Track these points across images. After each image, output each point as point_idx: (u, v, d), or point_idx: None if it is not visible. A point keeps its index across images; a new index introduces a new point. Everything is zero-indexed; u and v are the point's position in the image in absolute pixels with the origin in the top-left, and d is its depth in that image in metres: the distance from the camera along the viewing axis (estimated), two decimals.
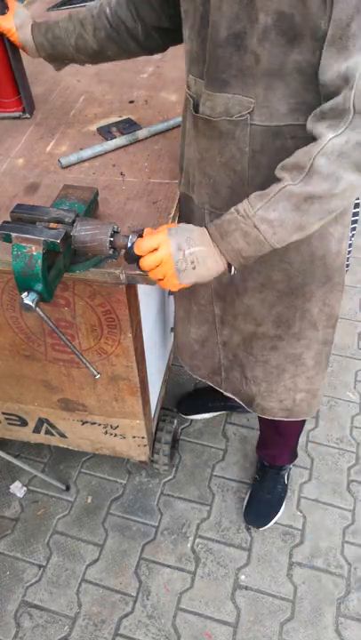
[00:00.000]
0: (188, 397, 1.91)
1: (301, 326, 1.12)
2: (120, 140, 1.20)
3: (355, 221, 1.47)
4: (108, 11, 1.05)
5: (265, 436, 1.63)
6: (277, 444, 1.60)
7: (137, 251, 0.83)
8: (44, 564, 1.56)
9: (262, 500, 1.63)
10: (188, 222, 1.11)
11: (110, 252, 0.85)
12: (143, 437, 1.46)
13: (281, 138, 0.85)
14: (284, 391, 1.25)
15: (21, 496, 1.70)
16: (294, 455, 1.66)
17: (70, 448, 1.63)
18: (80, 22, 1.07)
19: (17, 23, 1.11)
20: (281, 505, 1.64)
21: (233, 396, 1.36)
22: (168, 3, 0.99)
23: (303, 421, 1.47)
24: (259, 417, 1.42)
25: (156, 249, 0.82)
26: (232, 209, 0.81)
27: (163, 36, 1.07)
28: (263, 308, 1.09)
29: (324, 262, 1.03)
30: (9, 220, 0.87)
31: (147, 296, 1.23)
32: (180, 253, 0.81)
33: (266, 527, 1.61)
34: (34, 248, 0.80)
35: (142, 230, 0.85)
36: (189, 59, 0.92)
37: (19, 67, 1.24)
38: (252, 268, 1.01)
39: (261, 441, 1.66)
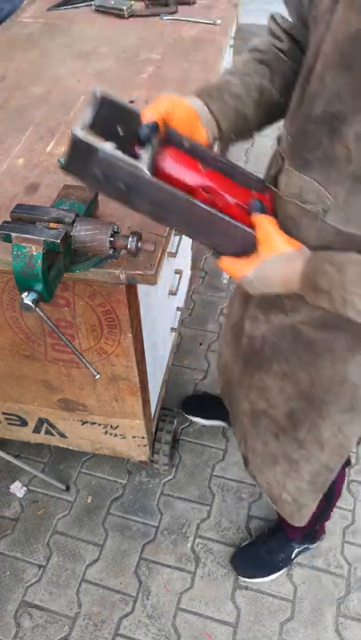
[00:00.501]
0: (193, 400, 1.88)
1: (307, 438, 1.01)
2: None
3: None
4: (279, 45, 0.84)
5: None
6: None
7: (221, 266, 0.79)
8: (44, 564, 1.56)
9: (258, 555, 1.51)
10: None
11: (110, 251, 0.85)
12: (143, 437, 1.46)
13: (356, 245, 0.71)
14: (273, 480, 1.16)
15: (21, 496, 1.70)
16: (310, 538, 1.49)
17: (70, 448, 1.63)
18: (254, 72, 0.83)
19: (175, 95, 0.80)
20: (272, 574, 1.51)
21: (237, 442, 1.28)
22: None
23: (320, 506, 1.29)
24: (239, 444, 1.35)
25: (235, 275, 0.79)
26: (339, 262, 0.69)
27: None
28: (279, 397, 1.00)
29: (355, 392, 0.91)
30: (9, 219, 0.87)
31: (147, 296, 1.22)
32: (255, 291, 0.79)
33: (244, 579, 1.51)
34: (34, 248, 0.80)
35: (141, 234, 0.84)
36: (289, 109, 0.77)
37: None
38: (282, 353, 0.94)
39: None
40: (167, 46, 1.64)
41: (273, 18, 0.86)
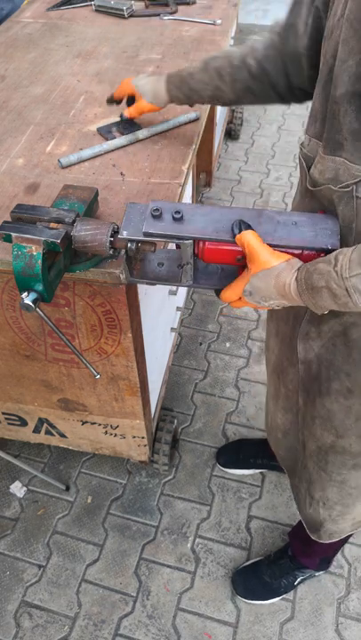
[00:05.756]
0: (227, 450, 1.79)
1: None
2: (120, 140, 1.20)
3: None
4: (251, 62, 0.96)
5: (302, 526, 1.39)
6: (310, 541, 1.34)
7: (223, 299, 0.83)
8: (44, 564, 1.56)
9: (260, 577, 1.48)
10: None
11: (110, 252, 0.85)
12: (143, 437, 1.46)
13: None
14: None
15: (21, 496, 1.70)
16: (325, 564, 1.47)
17: (70, 448, 1.63)
18: (217, 73, 1.01)
19: (149, 99, 1.12)
20: (273, 598, 1.48)
21: (298, 511, 1.19)
22: (316, 67, 0.86)
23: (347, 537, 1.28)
24: (300, 510, 1.27)
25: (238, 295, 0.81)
26: (331, 256, 0.70)
27: (304, 95, 0.96)
28: (348, 419, 0.92)
29: None
30: (9, 219, 0.87)
31: (147, 296, 1.23)
32: (259, 303, 0.80)
33: (243, 599, 1.48)
34: (34, 248, 0.80)
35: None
36: (309, 116, 0.84)
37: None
38: (339, 367, 0.88)
39: (297, 528, 1.45)
40: (167, 46, 1.64)
41: (271, 28, 0.98)
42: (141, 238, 0.80)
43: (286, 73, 0.93)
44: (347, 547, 1.58)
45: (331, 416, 0.93)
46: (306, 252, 0.77)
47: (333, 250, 0.73)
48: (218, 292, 0.86)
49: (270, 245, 0.76)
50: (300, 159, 0.85)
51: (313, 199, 0.82)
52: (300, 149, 0.85)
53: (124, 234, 0.80)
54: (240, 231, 0.76)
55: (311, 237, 0.77)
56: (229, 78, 0.99)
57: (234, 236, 0.77)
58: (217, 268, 0.87)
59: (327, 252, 0.75)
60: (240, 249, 0.77)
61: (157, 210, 0.79)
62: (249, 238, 0.74)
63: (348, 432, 0.93)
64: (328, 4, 0.77)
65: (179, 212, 0.78)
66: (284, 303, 0.77)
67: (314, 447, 1.01)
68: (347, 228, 0.76)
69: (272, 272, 0.75)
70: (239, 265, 0.81)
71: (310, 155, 0.81)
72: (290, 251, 0.77)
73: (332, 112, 0.72)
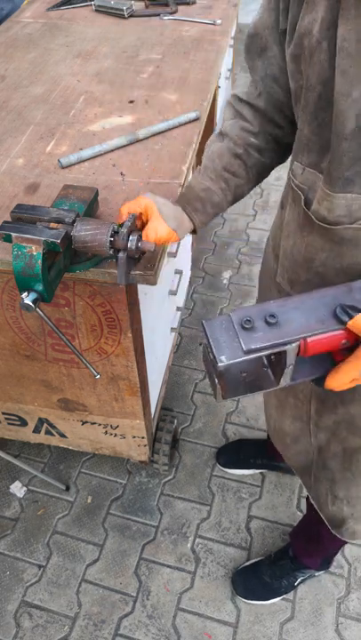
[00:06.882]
0: (227, 450, 1.79)
1: None
2: (120, 140, 1.20)
3: None
4: (252, 139, 0.89)
5: (304, 526, 1.44)
6: (313, 541, 1.39)
7: (331, 387, 0.75)
8: (44, 564, 1.56)
9: (260, 577, 1.48)
10: None
11: (110, 251, 0.85)
12: (143, 437, 1.46)
13: None
14: None
15: (21, 496, 1.70)
16: (326, 564, 1.48)
17: (70, 448, 1.63)
18: (229, 173, 0.91)
19: (173, 225, 0.87)
20: (274, 598, 1.48)
21: (318, 510, 1.18)
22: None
23: None
24: (308, 505, 1.28)
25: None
26: None
27: None
28: None
29: None
30: (9, 219, 0.87)
31: (147, 296, 1.22)
32: None
33: (243, 599, 1.49)
34: (34, 248, 0.80)
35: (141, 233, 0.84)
36: (298, 143, 0.79)
37: None
38: None
39: (298, 528, 1.48)
40: (167, 46, 1.64)
41: (236, 97, 0.90)
42: (245, 358, 0.70)
43: (285, 117, 0.87)
44: (347, 547, 1.58)
45: (356, 420, 0.94)
46: None
47: None
48: (319, 381, 0.77)
49: None
50: (292, 190, 0.81)
51: (320, 234, 0.78)
52: (291, 179, 0.81)
53: (222, 359, 0.68)
54: (349, 317, 0.69)
55: None
56: (243, 170, 0.91)
57: (341, 322, 0.70)
58: (306, 357, 0.77)
59: None
60: (343, 333, 0.70)
61: (249, 321, 0.70)
62: None
63: None
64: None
65: (273, 317, 0.70)
66: None
67: (339, 449, 1.01)
68: None
69: None
70: (339, 349, 0.72)
71: (305, 186, 0.78)
72: None
73: (340, 149, 0.69)
